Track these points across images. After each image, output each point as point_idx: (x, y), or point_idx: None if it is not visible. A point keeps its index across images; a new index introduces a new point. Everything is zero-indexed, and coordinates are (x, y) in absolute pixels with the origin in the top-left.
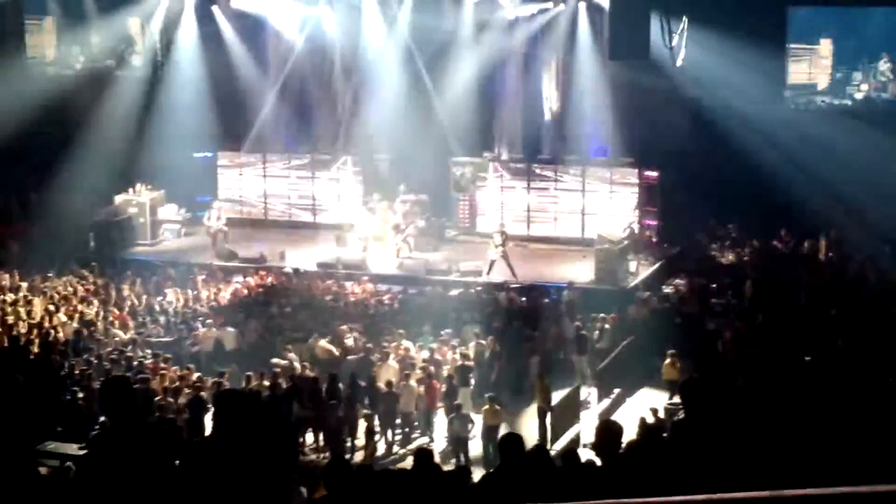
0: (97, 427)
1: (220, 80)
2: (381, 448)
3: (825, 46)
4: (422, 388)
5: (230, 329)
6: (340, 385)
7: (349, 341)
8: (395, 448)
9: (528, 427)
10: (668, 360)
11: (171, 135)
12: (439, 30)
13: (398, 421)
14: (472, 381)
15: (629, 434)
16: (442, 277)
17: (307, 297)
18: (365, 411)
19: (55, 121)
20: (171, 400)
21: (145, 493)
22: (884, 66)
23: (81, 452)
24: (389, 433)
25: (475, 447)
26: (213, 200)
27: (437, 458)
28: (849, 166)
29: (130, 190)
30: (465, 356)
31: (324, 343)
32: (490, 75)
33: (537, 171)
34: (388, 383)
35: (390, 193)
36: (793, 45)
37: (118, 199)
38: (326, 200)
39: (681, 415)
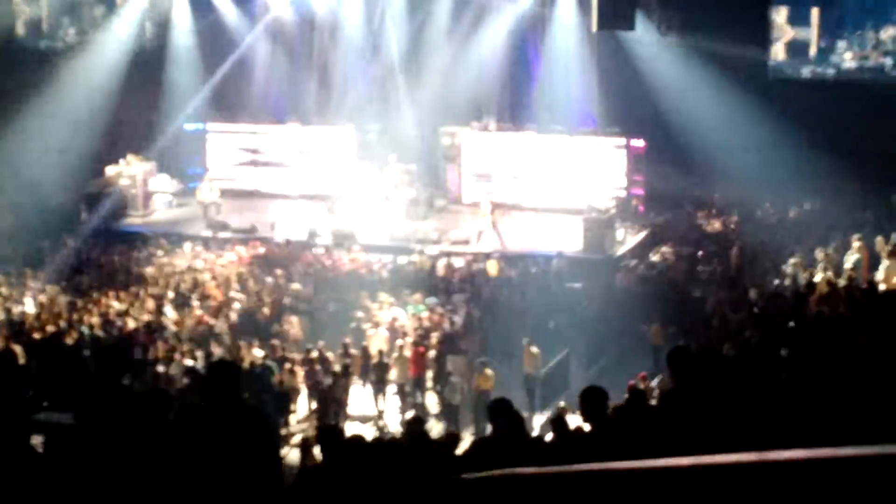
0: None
1: (210, 50)
2: (372, 416)
3: (811, 14)
4: (410, 356)
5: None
6: (330, 354)
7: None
8: (387, 416)
9: (518, 394)
10: (654, 327)
11: (162, 106)
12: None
13: (390, 389)
14: (462, 349)
15: (616, 399)
16: (432, 246)
17: (302, 268)
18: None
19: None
20: (162, 369)
21: (136, 460)
22: (886, 34)
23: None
24: (381, 401)
25: (465, 413)
26: (205, 173)
27: (427, 426)
28: (833, 135)
29: (122, 161)
30: (453, 323)
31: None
32: (478, 45)
33: (525, 139)
34: (380, 352)
35: (380, 163)
36: (776, 14)
37: (109, 170)
38: (316, 170)
39: (668, 381)
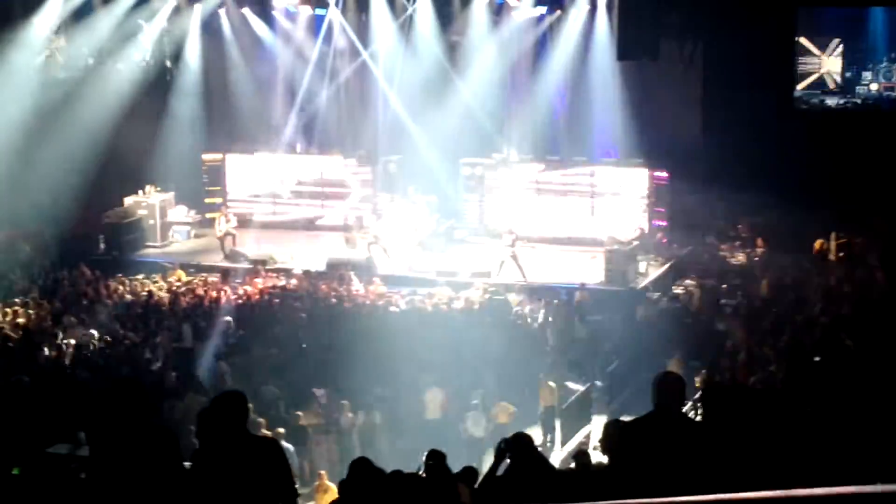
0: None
1: (228, 81)
2: (398, 452)
3: (834, 46)
4: (437, 391)
5: None
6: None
7: None
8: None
9: (537, 427)
10: (674, 360)
11: (180, 136)
12: (450, 31)
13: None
14: (485, 382)
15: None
16: (451, 279)
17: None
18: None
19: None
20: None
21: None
22: None
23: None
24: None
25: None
26: (222, 204)
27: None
28: (859, 164)
29: (140, 192)
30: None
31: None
32: (500, 76)
33: (547, 171)
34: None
35: (400, 194)
36: (802, 45)
37: (128, 200)
38: (335, 202)
39: (695, 416)
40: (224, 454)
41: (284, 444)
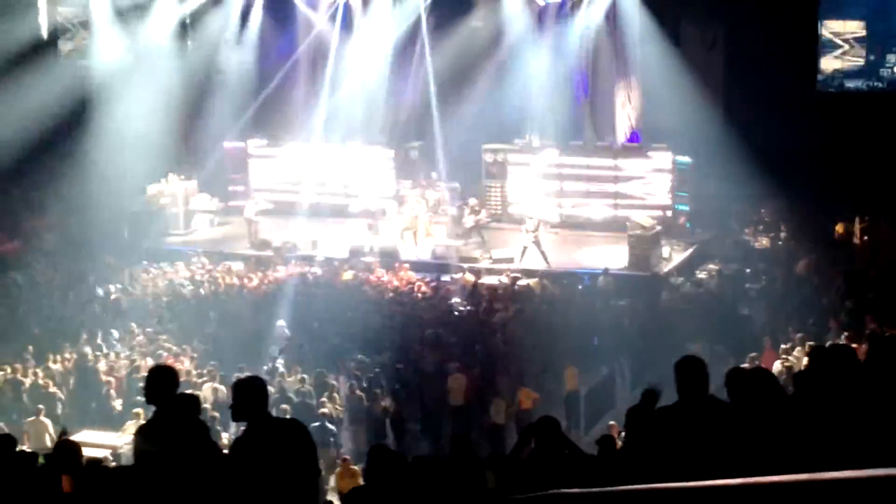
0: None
1: (250, 69)
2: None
3: (858, 28)
4: (461, 377)
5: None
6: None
7: None
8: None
9: (559, 413)
10: (697, 345)
11: (202, 124)
12: (470, 16)
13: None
14: (508, 369)
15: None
16: (474, 265)
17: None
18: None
19: (89, 111)
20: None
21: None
22: None
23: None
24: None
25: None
26: (248, 191)
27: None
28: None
29: (163, 180)
30: (505, 343)
31: None
32: (521, 61)
33: (569, 156)
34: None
35: (422, 181)
36: (824, 28)
37: (151, 189)
38: (358, 188)
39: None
40: (250, 438)
41: (328, 424)
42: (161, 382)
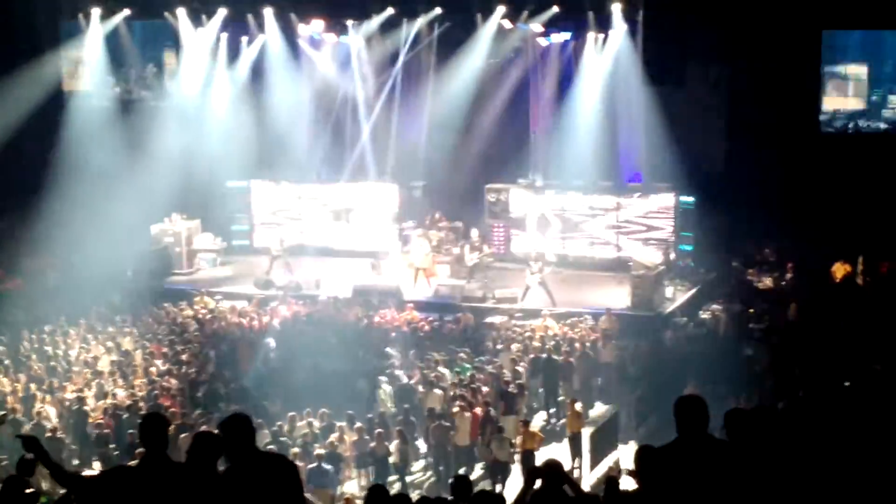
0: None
1: (253, 108)
2: (431, 479)
3: (860, 70)
4: (468, 416)
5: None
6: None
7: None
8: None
9: (563, 453)
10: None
11: (205, 164)
12: (472, 57)
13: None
14: (517, 408)
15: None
16: (477, 304)
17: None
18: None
19: (93, 152)
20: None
21: None
22: None
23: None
24: (441, 466)
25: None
26: (253, 229)
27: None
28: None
29: (166, 220)
30: (507, 383)
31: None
32: (524, 102)
33: (572, 196)
34: (440, 414)
35: (425, 221)
36: (827, 69)
37: (154, 228)
38: (361, 228)
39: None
40: (237, 473)
41: (325, 465)
42: (154, 428)
